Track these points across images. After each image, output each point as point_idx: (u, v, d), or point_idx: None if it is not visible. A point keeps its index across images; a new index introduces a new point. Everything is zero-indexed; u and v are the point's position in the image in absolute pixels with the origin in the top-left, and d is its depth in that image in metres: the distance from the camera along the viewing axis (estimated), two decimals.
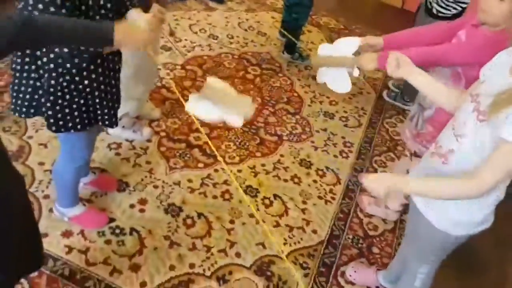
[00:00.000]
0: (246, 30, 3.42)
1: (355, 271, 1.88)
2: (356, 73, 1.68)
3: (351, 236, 2.10)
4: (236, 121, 1.46)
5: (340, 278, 1.90)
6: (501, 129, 1.05)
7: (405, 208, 2.16)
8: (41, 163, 2.06)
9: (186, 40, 3.15)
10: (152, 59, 2.12)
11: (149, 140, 2.33)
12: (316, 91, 2.99)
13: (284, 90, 2.94)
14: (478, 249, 2.06)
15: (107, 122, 1.53)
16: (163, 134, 2.40)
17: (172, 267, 1.79)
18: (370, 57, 1.63)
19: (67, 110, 1.41)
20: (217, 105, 1.46)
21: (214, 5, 3.43)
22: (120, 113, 2.16)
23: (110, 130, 2.29)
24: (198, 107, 1.48)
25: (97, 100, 1.46)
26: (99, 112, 1.49)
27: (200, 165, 2.28)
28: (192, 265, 1.82)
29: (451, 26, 1.71)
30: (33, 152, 2.11)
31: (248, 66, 3.07)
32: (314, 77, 3.07)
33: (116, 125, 1.58)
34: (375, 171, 2.51)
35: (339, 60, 1.70)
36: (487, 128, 1.10)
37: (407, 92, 2.98)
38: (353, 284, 1.87)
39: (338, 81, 1.74)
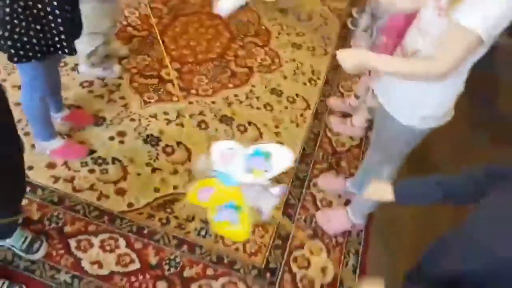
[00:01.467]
0: None
1: (325, 180, 2.05)
2: None
3: (321, 153, 2.25)
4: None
5: (313, 187, 2.06)
6: (458, 16, 1.12)
7: (370, 125, 2.32)
8: (18, 104, 2.06)
9: None
10: None
11: (120, 77, 2.36)
12: (283, 23, 3.03)
13: (252, 24, 2.97)
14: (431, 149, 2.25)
15: (66, 50, 1.54)
16: (134, 71, 2.43)
17: (156, 190, 1.90)
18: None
19: (25, 39, 1.43)
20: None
21: None
22: (87, 50, 2.19)
23: (80, 68, 2.30)
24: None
25: (53, 25, 1.47)
26: (56, 39, 1.51)
27: (174, 98, 2.34)
28: (175, 187, 1.93)
29: None
30: (8, 94, 2.10)
31: (212, 2, 3.05)
32: (280, 10, 3.13)
33: (75, 52, 1.59)
34: (342, 95, 2.63)
35: None
36: (448, 22, 1.17)
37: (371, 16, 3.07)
38: (323, 191, 2.04)
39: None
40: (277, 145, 1.08)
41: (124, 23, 2.69)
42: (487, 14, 1.09)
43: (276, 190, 1.05)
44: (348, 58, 1.29)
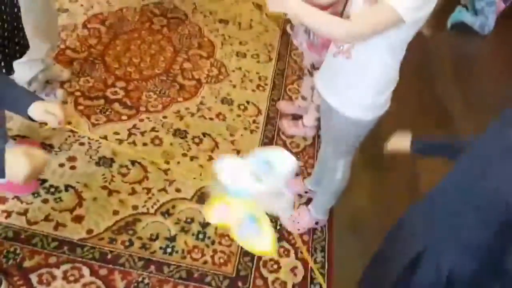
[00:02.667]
0: None
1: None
2: None
3: None
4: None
5: None
6: None
7: (319, 124, 2.40)
8: None
9: None
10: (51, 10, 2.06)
11: (64, 102, 2.28)
12: (225, 34, 3.07)
13: (194, 36, 2.98)
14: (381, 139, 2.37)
15: (4, 70, 1.49)
16: (78, 93, 2.35)
17: (115, 212, 1.85)
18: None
19: None
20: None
21: None
22: (27, 77, 2.11)
23: None
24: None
25: None
26: None
27: (124, 117, 2.29)
28: (135, 207, 1.89)
29: None
30: None
31: (152, 18, 3.04)
32: (220, 21, 3.17)
33: (12, 71, 1.54)
34: (290, 98, 2.70)
35: None
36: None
37: None
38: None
39: None
40: (278, 149, 1.09)
41: (63, 46, 2.61)
42: None
43: (290, 194, 1.05)
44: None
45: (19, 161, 0.94)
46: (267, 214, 1.03)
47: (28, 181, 0.97)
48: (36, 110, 1.16)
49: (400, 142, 1.45)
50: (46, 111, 1.16)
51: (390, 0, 1.20)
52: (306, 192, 2.07)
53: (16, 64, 2.03)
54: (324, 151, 1.86)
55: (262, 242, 1.02)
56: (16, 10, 1.57)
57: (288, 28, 3.27)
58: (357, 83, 1.45)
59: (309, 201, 2.03)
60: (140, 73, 2.58)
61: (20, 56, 1.59)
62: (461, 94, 2.96)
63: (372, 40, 1.31)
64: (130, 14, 3.01)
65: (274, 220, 1.93)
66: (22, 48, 1.61)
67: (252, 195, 1.02)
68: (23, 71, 2.07)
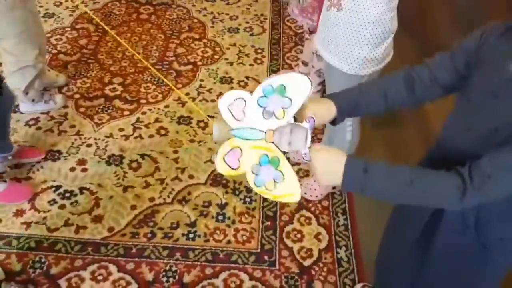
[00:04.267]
0: None
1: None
2: None
3: None
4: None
5: None
6: None
7: (323, 88, 2.35)
8: None
9: (67, 1, 2.96)
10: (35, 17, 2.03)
11: (65, 106, 2.27)
12: (214, 11, 2.99)
13: (183, 20, 2.91)
14: None
15: None
16: (77, 96, 2.34)
17: (133, 207, 1.85)
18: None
19: None
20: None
21: None
22: (22, 86, 2.09)
23: (22, 108, 2.20)
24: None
25: None
26: None
27: (126, 112, 2.28)
28: (151, 199, 1.89)
29: None
30: None
31: (138, 8, 2.98)
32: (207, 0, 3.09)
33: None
34: (290, 66, 2.64)
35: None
36: None
37: None
38: (298, 164, 2.05)
39: None
40: (285, 74, 0.91)
41: (54, 51, 2.58)
42: None
43: (306, 124, 0.90)
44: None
45: None
46: (284, 153, 0.89)
47: None
48: None
49: None
50: None
51: None
52: None
53: (9, 74, 2.04)
54: None
55: (285, 186, 0.89)
56: None
57: None
58: (350, 36, 1.41)
59: None
60: (135, 65, 2.55)
61: None
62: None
63: None
64: (116, 7, 2.96)
65: None
66: None
67: (264, 132, 0.90)
68: (17, 80, 2.07)
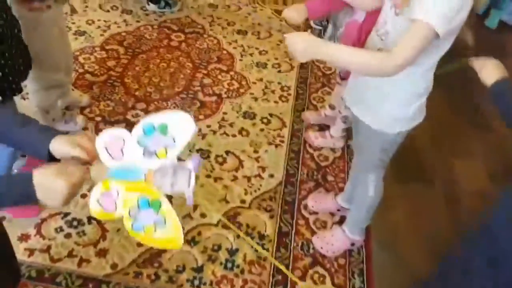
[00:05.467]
0: None
1: (315, 201, 1.97)
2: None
3: (305, 171, 2.18)
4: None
5: (304, 211, 1.97)
6: (411, 11, 1.10)
7: (349, 133, 2.27)
8: None
9: (99, 20, 3.00)
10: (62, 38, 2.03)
11: (85, 128, 2.24)
12: (244, 44, 2.98)
13: (213, 50, 2.90)
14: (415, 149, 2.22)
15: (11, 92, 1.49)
16: (98, 119, 2.31)
17: (139, 244, 1.77)
18: (298, 9, 1.65)
19: None
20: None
21: None
22: (45, 105, 2.08)
23: None
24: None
25: None
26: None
27: None
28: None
29: None
30: None
31: (170, 34, 2.99)
32: (238, 32, 3.08)
33: (20, 91, 1.54)
34: (315, 108, 2.58)
35: None
36: (404, 20, 1.15)
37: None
38: (316, 213, 1.96)
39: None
40: (169, 113, 0.89)
41: (81, 70, 2.58)
42: (438, 7, 1.07)
43: (189, 164, 0.86)
44: (298, 42, 1.17)
45: (54, 183, 0.82)
46: (166, 195, 0.85)
47: (67, 203, 0.85)
48: (59, 146, 0.92)
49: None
50: (71, 144, 0.91)
51: (419, 15, 1.09)
52: (338, 210, 1.94)
53: (33, 92, 2.03)
54: (355, 166, 1.74)
55: (166, 231, 0.83)
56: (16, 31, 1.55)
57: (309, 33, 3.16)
58: (379, 92, 1.34)
59: (342, 219, 1.90)
60: (160, 92, 2.52)
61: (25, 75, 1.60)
62: None
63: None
64: (148, 32, 2.97)
65: (306, 244, 1.82)
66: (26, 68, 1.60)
67: (146, 173, 0.84)
68: (40, 99, 2.05)
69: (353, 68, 1.30)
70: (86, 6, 3.12)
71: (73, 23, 2.92)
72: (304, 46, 1.17)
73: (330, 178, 2.15)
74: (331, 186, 2.11)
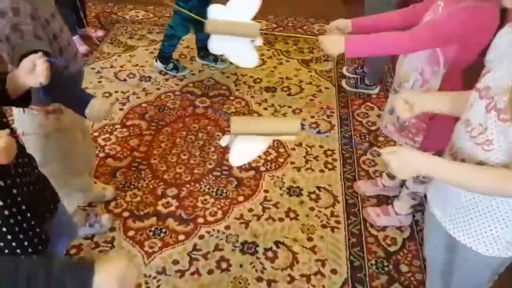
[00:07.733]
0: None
1: None
2: (259, 42, 1.42)
3: (373, 262, 1.85)
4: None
5: None
6: None
7: (417, 208, 1.95)
8: None
9: (116, 92, 2.76)
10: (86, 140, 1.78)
11: (112, 228, 1.95)
12: (275, 103, 2.71)
13: (241, 114, 2.63)
14: None
15: None
16: (126, 214, 2.02)
17: None
18: (335, 40, 1.42)
19: None
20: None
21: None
22: (69, 209, 1.80)
23: None
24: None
25: None
26: None
27: (181, 237, 1.93)
28: None
29: (419, 7, 1.50)
30: None
31: (194, 100, 2.73)
32: (267, 89, 2.82)
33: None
34: (367, 173, 2.27)
35: (242, 28, 1.39)
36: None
37: (368, 75, 2.79)
38: None
39: (241, 54, 1.46)
40: None
41: (102, 155, 2.32)
42: None
43: None
44: (401, 170, 1.00)
45: None
46: None
47: None
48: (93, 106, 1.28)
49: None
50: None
51: None
52: None
53: None
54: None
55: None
56: None
57: (343, 84, 2.89)
58: (497, 205, 1.02)
59: None
60: (191, 172, 2.24)
61: None
62: None
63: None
64: (170, 100, 2.72)
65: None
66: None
67: None
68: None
69: (480, 190, 1.00)
70: (101, 76, 2.89)
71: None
72: (412, 174, 0.96)
73: (404, 268, 1.82)
74: (407, 279, 1.77)
